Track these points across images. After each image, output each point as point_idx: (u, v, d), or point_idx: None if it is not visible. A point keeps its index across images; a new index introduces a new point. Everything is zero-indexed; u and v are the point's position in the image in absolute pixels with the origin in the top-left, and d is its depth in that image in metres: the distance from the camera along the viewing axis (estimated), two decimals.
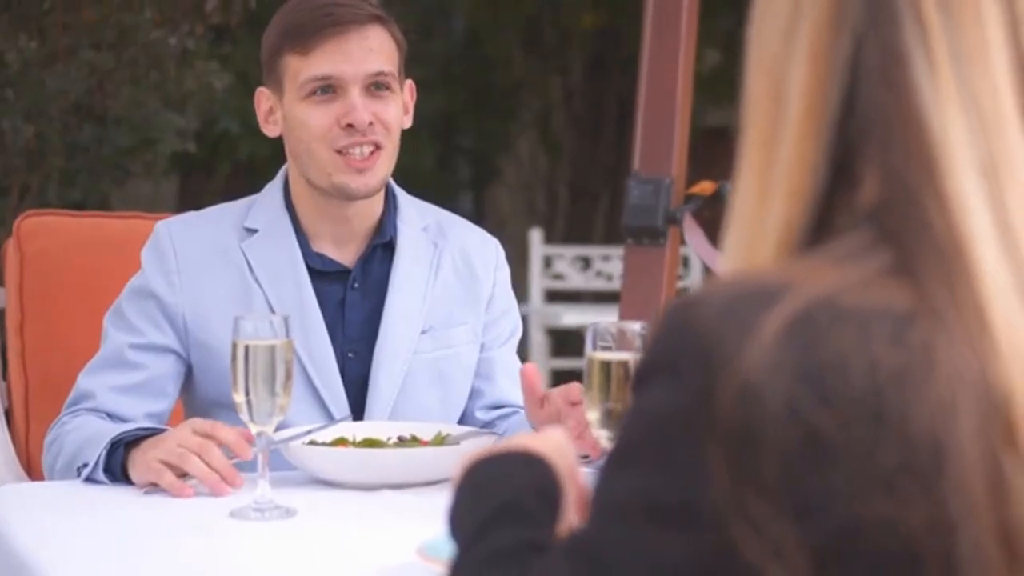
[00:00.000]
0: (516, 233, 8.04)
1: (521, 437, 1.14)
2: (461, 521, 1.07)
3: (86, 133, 4.69)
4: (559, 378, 6.93)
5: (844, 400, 0.80)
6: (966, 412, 0.81)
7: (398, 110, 2.16)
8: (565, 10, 9.67)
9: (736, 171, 0.94)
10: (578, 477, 1.11)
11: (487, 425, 2.23)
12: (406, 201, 2.27)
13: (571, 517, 1.08)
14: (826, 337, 0.81)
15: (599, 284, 7.45)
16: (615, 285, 7.33)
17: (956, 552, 0.80)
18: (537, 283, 7.21)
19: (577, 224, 9.63)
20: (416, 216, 2.27)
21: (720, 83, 8.61)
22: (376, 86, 2.13)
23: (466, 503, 1.08)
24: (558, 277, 7.39)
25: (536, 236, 7.33)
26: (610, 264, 7.46)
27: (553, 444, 1.11)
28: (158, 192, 7.25)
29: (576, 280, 7.41)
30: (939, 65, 0.86)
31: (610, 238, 8.97)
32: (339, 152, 2.11)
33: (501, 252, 2.35)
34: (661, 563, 0.83)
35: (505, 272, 2.33)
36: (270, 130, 2.21)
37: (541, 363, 6.80)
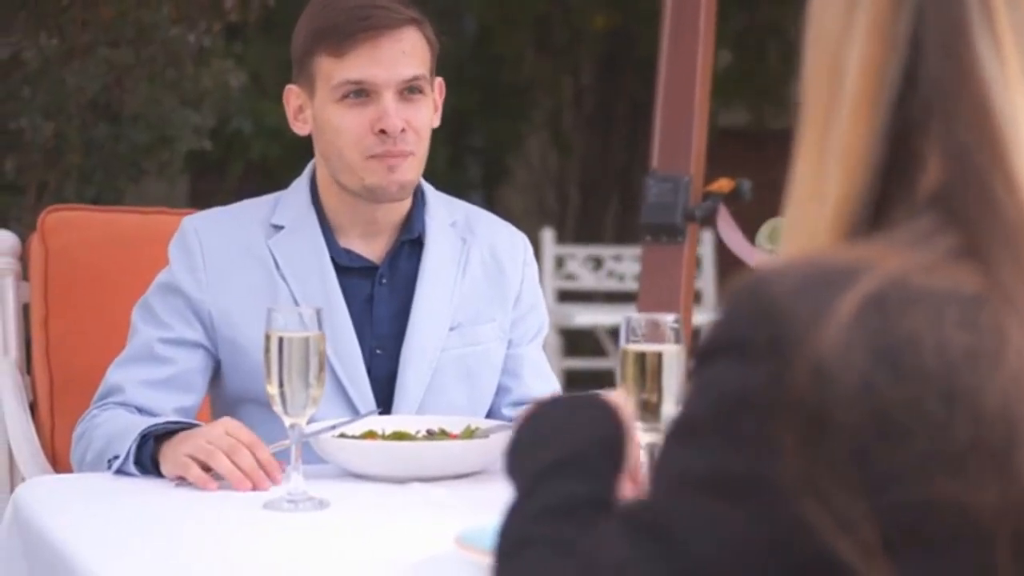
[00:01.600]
0: (527, 232, 7.99)
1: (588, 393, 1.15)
2: (521, 466, 1.07)
3: (103, 130, 4.70)
4: (572, 378, 6.94)
5: (917, 378, 0.81)
6: None
7: (429, 113, 2.17)
8: (576, 10, 9.67)
9: (795, 148, 0.93)
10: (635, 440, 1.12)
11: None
12: (434, 197, 2.28)
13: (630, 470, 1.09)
14: (899, 317, 0.81)
15: (611, 284, 7.44)
16: (627, 285, 7.33)
17: None
18: (549, 283, 7.21)
19: (587, 224, 9.63)
20: (445, 212, 2.27)
21: (731, 84, 8.62)
22: (409, 90, 2.13)
23: (528, 448, 1.08)
24: (570, 277, 7.39)
25: (548, 236, 7.34)
26: (622, 264, 7.46)
27: (618, 399, 1.12)
28: (172, 192, 7.25)
29: (588, 280, 7.41)
30: (1004, 46, 0.86)
31: (621, 238, 8.98)
32: (371, 157, 2.12)
33: (529, 248, 2.35)
34: (729, 536, 0.83)
35: (533, 268, 2.34)
36: (300, 128, 2.21)
37: (554, 363, 6.81)
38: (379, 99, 2.11)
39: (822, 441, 0.80)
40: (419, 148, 2.15)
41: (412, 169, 2.15)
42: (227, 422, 1.92)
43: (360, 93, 2.11)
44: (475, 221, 2.30)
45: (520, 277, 2.30)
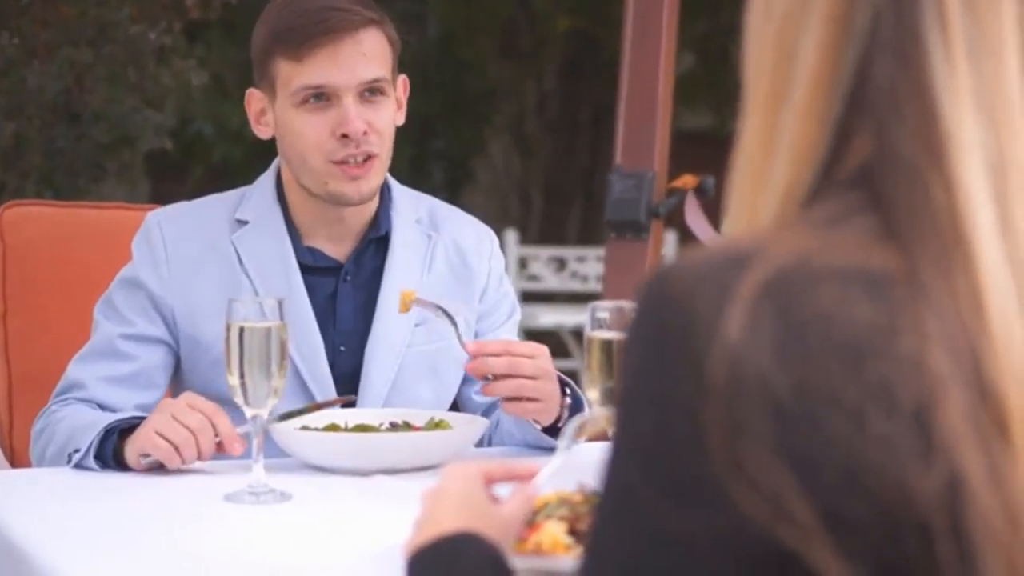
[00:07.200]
0: None
1: (457, 514, 1.15)
2: None
3: (63, 131, 4.67)
4: None
5: (827, 355, 0.79)
6: (953, 385, 0.79)
7: (391, 114, 2.15)
8: (540, 15, 9.68)
9: (740, 128, 0.91)
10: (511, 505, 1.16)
11: (484, 408, 2.23)
12: (400, 193, 2.27)
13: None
14: (804, 297, 0.80)
15: (574, 285, 7.46)
16: (590, 286, 7.34)
17: (962, 516, 0.79)
18: (512, 284, 7.22)
19: (551, 227, 9.64)
20: (410, 208, 2.26)
21: (694, 87, 8.64)
22: (370, 91, 2.11)
23: None
24: (533, 278, 7.40)
25: (512, 237, 7.34)
26: (585, 265, 7.48)
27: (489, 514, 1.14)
28: (132, 195, 7.22)
29: (551, 281, 7.42)
30: (956, 56, 0.84)
31: (584, 240, 8.99)
32: (334, 162, 2.10)
33: (495, 241, 2.35)
34: (683, 540, 0.81)
35: (499, 261, 2.33)
36: (262, 132, 2.18)
37: None
38: (339, 102, 2.09)
39: (743, 426, 0.79)
40: (382, 149, 2.13)
41: (376, 174, 2.14)
42: (189, 396, 1.91)
43: (320, 97, 2.09)
44: (440, 217, 2.29)
45: (486, 271, 2.29)
